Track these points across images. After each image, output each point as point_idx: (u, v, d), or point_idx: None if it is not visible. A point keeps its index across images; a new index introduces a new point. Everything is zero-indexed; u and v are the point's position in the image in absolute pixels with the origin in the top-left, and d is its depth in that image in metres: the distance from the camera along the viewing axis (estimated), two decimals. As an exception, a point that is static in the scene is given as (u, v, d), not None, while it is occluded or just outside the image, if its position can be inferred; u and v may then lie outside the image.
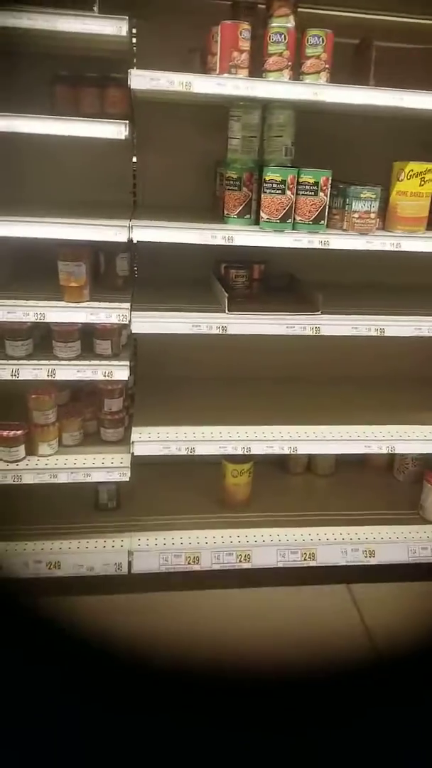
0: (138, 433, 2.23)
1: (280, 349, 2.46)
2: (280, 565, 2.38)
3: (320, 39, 1.88)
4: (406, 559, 2.47)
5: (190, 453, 2.20)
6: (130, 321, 2.05)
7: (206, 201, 2.45)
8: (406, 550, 2.47)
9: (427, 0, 2.18)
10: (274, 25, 1.88)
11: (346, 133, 2.37)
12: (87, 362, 2.15)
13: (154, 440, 2.20)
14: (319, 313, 2.17)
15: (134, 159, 2.49)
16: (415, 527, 2.54)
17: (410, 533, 2.52)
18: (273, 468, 2.84)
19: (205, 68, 2.07)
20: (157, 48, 2.26)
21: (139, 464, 2.27)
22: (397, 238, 2.08)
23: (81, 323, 2.12)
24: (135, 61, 2.32)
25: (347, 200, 2.05)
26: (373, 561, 2.45)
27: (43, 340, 2.21)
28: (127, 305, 2.09)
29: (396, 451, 2.34)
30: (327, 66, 1.91)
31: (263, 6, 1.99)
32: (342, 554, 2.44)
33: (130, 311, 2.07)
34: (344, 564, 2.43)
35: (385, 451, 2.33)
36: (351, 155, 2.35)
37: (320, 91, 1.87)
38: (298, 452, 2.28)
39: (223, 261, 2.37)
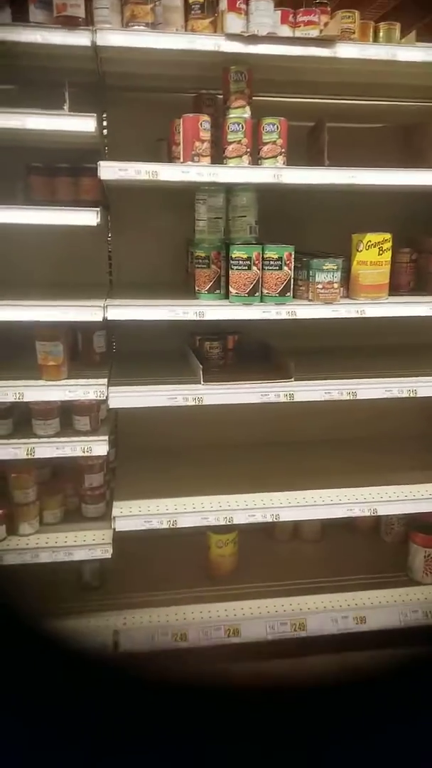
0: (119, 508, 2.21)
1: (258, 415, 2.48)
2: (270, 637, 2.31)
3: (275, 126, 2.02)
4: (397, 624, 2.42)
5: (172, 526, 2.18)
6: (107, 397, 2.08)
7: (179, 277, 2.54)
8: (397, 614, 2.42)
9: (371, 85, 2.35)
10: (231, 116, 2.02)
11: (308, 208, 2.50)
12: (66, 439, 2.16)
13: (136, 515, 2.18)
14: (292, 380, 2.21)
15: (109, 240, 2.59)
16: (405, 590, 2.50)
17: (400, 596, 2.47)
18: (259, 536, 2.80)
19: (170, 157, 2.19)
20: (127, 138, 2.41)
21: (123, 537, 2.24)
22: (361, 305, 2.16)
23: (59, 401, 2.15)
24: (106, 150, 2.46)
25: (311, 272, 2.14)
26: (364, 627, 2.39)
27: (22, 417, 2.22)
28: (104, 381, 2.13)
29: (378, 513, 2.34)
30: (283, 150, 2.04)
31: (222, 96, 2.15)
32: (333, 622, 2.38)
33: (107, 387, 2.10)
34: (335, 633, 2.38)
35: (367, 514, 2.33)
36: (314, 228, 2.48)
37: (279, 173, 1.99)
38: (281, 519, 2.27)
39: (197, 333, 2.43)
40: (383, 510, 2.34)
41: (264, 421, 2.61)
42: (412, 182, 2.10)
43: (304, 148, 2.40)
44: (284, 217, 2.39)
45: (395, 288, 2.37)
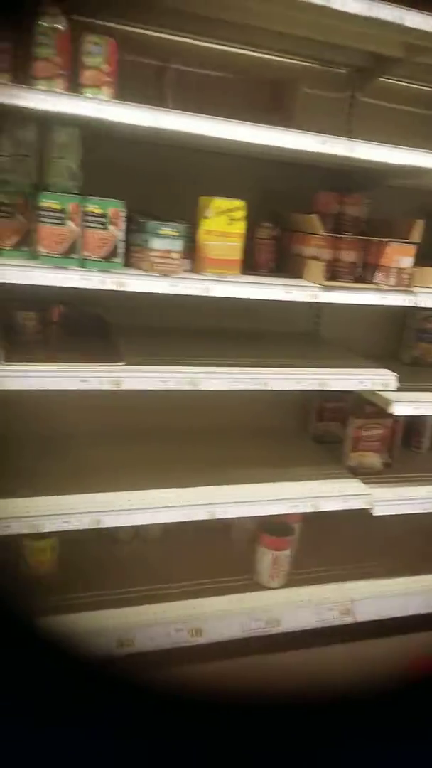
0: None
1: (81, 402, 2.09)
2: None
3: (100, 48, 1.61)
4: (239, 634, 2.21)
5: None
6: None
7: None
8: (238, 623, 2.20)
9: (223, 24, 1.98)
10: (40, 23, 1.58)
11: (154, 164, 2.13)
12: None
13: None
14: (123, 364, 1.87)
15: None
16: (248, 595, 2.29)
17: (242, 603, 2.26)
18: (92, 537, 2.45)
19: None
20: None
21: None
22: (206, 281, 1.83)
23: None
24: None
25: (146, 237, 1.78)
26: (201, 640, 2.16)
27: None
28: None
29: (217, 517, 2.07)
30: (109, 79, 1.64)
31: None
32: (165, 636, 2.12)
33: None
34: (169, 647, 2.12)
35: (207, 518, 2.06)
36: (162, 189, 2.12)
37: (100, 107, 1.58)
38: (102, 525, 1.94)
39: (13, 300, 2.01)
40: (222, 513, 2.07)
41: (89, 409, 2.24)
42: (268, 142, 1.75)
43: (150, 91, 2.00)
44: (123, 171, 2.00)
45: (254, 267, 2.09)
